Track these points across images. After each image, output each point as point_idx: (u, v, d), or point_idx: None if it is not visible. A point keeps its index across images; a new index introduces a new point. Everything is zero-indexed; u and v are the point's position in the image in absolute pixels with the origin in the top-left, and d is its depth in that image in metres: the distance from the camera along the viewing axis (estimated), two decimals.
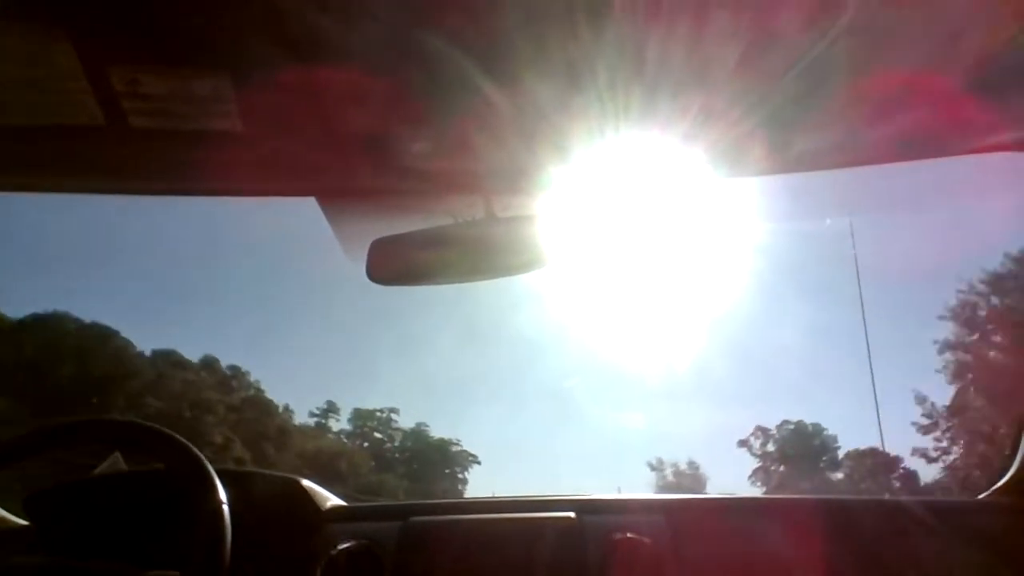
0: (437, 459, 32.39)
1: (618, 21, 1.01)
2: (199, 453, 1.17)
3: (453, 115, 1.14)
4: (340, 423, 31.76)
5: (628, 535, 1.37)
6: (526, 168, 1.25)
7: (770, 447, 30.87)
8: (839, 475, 28.87)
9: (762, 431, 31.19)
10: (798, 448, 29.93)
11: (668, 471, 30.69)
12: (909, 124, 1.20)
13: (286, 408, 28.91)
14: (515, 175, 1.27)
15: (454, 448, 33.97)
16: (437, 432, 33.27)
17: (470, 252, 1.30)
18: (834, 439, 29.87)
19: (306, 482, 1.54)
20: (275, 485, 1.53)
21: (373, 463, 30.60)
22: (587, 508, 1.46)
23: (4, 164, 1.27)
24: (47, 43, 1.02)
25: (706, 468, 30.96)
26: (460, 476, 33.94)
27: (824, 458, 29.71)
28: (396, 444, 33.33)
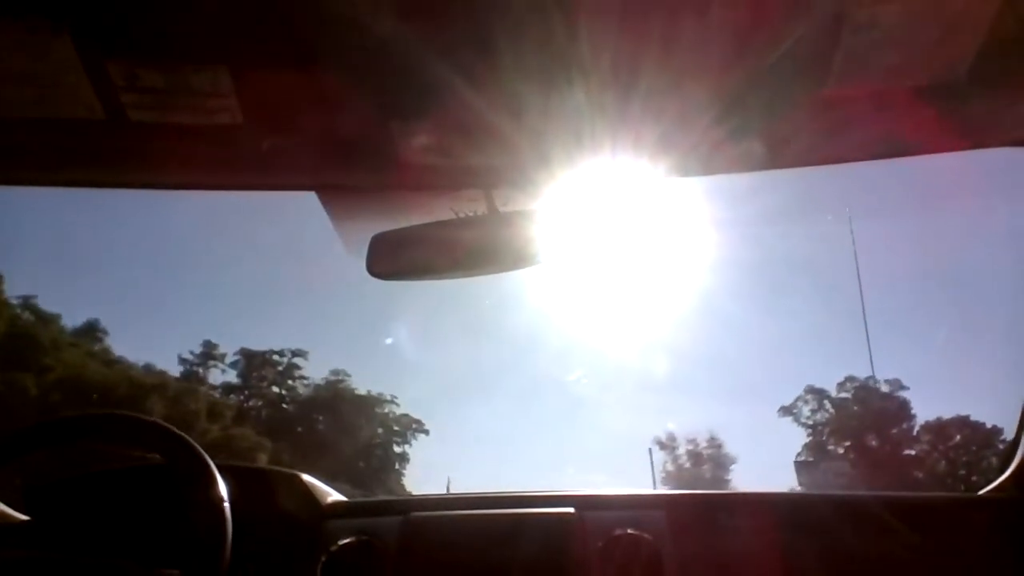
0: (357, 422, 23.44)
1: (618, 16, 1.01)
2: (200, 448, 1.17)
3: (455, 109, 1.14)
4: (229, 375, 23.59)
5: (628, 531, 1.37)
6: (528, 162, 1.25)
7: (821, 416, 23.55)
8: (913, 451, 22.23)
9: (815, 393, 23.57)
10: (862, 415, 22.62)
11: (681, 450, 24.67)
12: (907, 120, 1.19)
13: (95, 328, 19.75)
14: (517, 169, 1.27)
15: (387, 408, 24.54)
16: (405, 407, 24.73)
17: (471, 247, 1.29)
18: (907, 404, 22.39)
19: (307, 477, 1.54)
20: (276, 480, 1.54)
21: (232, 414, 21.64)
22: (587, 503, 1.46)
23: (2, 158, 1.26)
24: (46, 37, 1.02)
25: (733, 445, 24.73)
26: (396, 450, 24.68)
27: (895, 430, 22.46)
28: (303, 395, 23.87)
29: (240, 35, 1.05)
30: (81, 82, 1.07)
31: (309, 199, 1.34)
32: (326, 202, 1.35)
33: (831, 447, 23.45)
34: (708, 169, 1.31)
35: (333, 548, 1.35)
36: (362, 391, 24.57)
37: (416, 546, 1.39)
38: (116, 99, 1.10)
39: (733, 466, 24.52)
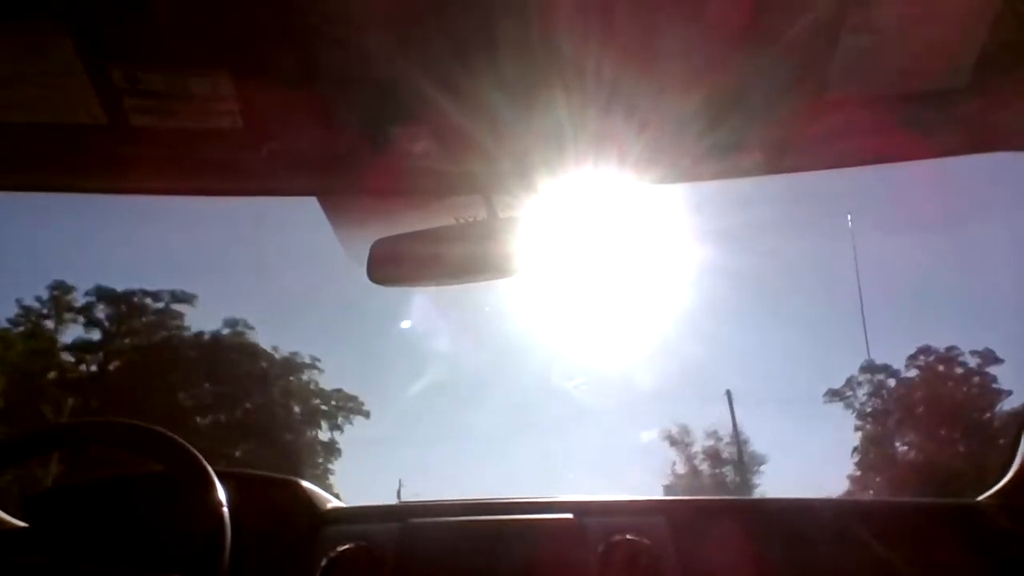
0: (252, 391, 17.21)
1: (619, 23, 1.02)
2: (199, 455, 1.17)
3: (456, 115, 1.14)
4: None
5: (627, 537, 1.37)
6: (529, 169, 1.25)
7: (879, 402, 18.13)
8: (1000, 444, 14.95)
9: (873, 372, 18.05)
10: (935, 398, 17.05)
11: (697, 446, 20.26)
12: (907, 124, 1.20)
13: None
14: (518, 176, 1.27)
15: (307, 376, 18.19)
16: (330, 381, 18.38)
17: (472, 253, 1.29)
18: (993, 378, 16.81)
19: (306, 484, 1.54)
20: (274, 487, 1.53)
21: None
22: (585, 510, 1.45)
23: (4, 162, 1.27)
24: (47, 41, 1.02)
25: (762, 442, 19.85)
26: (320, 436, 18.36)
27: (987, 415, 16.79)
28: (182, 352, 17.04)
29: (241, 40, 1.05)
30: (83, 86, 1.07)
31: (310, 204, 1.34)
32: (327, 207, 1.36)
33: (895, 443, 18.08)
34: (712, 174, 1.31)
35: (331, 554, 1.35)
36: (266, 347, 17.72)
37: (414, 552, 1.39)
38: (118, 104, 1.10)
39: (762, 467, 19.82)
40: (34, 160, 1.27)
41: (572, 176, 1.26)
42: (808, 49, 1.06)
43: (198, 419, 16.74)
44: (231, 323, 17.55)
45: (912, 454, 17.60)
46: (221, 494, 1.14)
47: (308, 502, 1.50)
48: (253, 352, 17.79)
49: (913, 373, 18.09)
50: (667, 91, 1.13)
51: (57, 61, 1.04)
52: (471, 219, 1.31)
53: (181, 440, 1.18)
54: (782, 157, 1.27)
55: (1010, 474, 1.47)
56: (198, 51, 1.06)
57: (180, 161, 1.25)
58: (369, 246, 1.31)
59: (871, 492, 17.09)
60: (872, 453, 18.01)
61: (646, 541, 1.36)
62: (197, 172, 1.29)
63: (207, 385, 17.44)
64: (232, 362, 17.49)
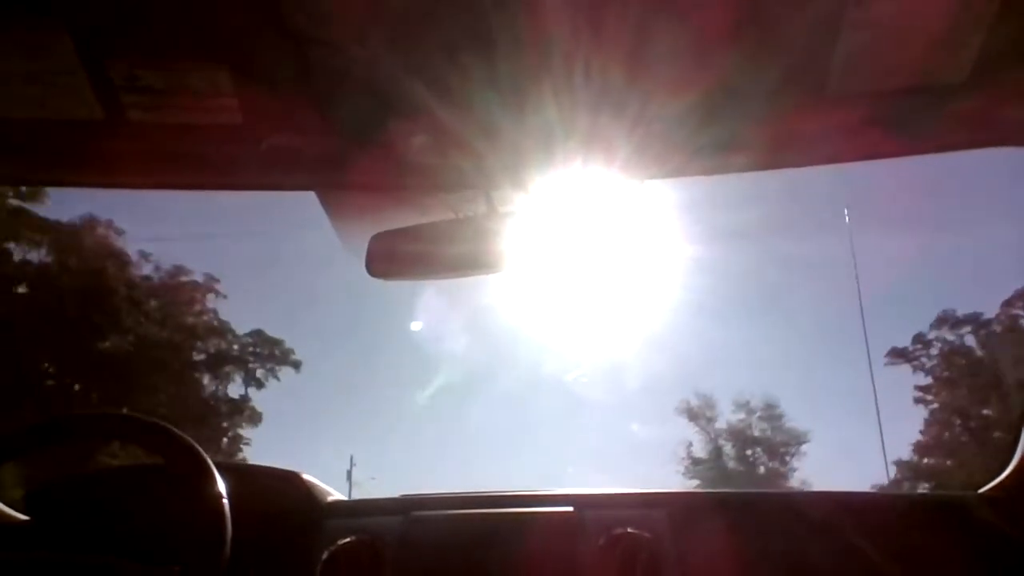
0: (107, 315, 12.10)
1: (619, 18, 1.01)
2: (198, 447, 1.18)
3: (455, 109, 1.14)
4: None
5: (628, 530, 1.37)
6: (528, 163, 1.25)
7: (953, 365, 14.30)
8: None
9: (956, 327, 14.20)
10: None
11: (722, 422, 17.07)
12: (906, 119, 1.19)
13: None
14: (517, 170, 1.27)
15: (198, 307, 13.21)
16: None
17: (471, 247, 1.30)
18: None
19: (307, 476, 1.55)
20: (275, 480, 1.54)
21: None
22: (587, 503, 1.46)
23: (2, 158, 1.27)
24: (45, 37, 1.02)
25: (803, 417, 17.25)
26: (228, 395, 13.40)
27: None
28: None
29: (239, 35, 1.05)
30: (81, 82, 1.07)
31: (308, 198, 1.34)
32: (325, 201, 1.36)
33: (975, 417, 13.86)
34: (712, 169, 1.31)
35: (332, 548, 1.35)
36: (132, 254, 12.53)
37: (416, 545, 1.39)
38: (116, 99, 1.10)
39: (804, 448, 16.20)
40: (33, 155, 1.27)
41: (570, 171, 1.26)
42: (806, 44, 1.05)
43: (35, 360, 11.82)
44: (89, 222, 12.17)
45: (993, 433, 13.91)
46: (221, 486, 1.15)
47: (309, 495, 1.50)
48: (118, 264, 12.59)
49: (997, 328, 14.22)
50: (666, 86, 1.13)
51: (56, 58, 1.04)
52: (471, 213, 1.31)
53: (181, 433, 1.19)
54: (781, 152, 1.27)
55: (1010, 468, 1.47)
56: (196, 47, 1.06)
57: (179, 156, 1.25)
58: (367, 240, 1.31)
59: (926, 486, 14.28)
60: (947, 432, 14.16)
61: (647, 534, 1.36)
62: (196, 167, 1.29)
63: (44, 311, 11.81)
64: (87, 276, 12.09)
